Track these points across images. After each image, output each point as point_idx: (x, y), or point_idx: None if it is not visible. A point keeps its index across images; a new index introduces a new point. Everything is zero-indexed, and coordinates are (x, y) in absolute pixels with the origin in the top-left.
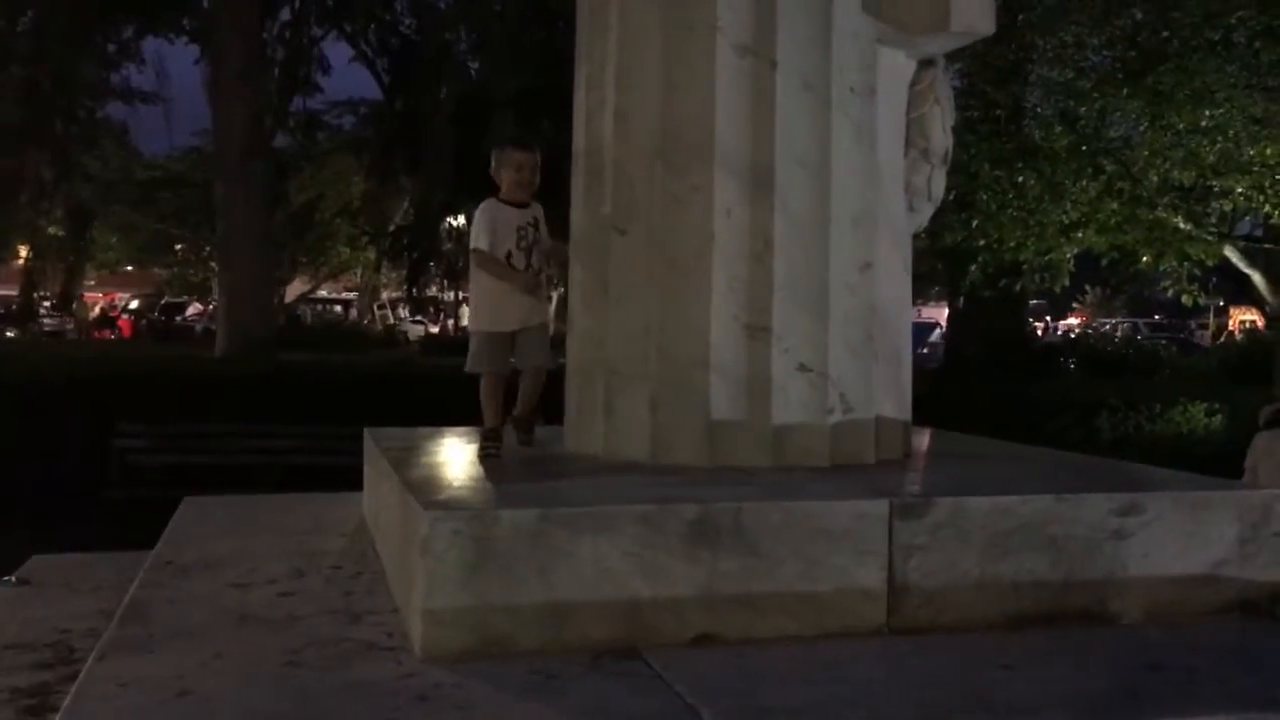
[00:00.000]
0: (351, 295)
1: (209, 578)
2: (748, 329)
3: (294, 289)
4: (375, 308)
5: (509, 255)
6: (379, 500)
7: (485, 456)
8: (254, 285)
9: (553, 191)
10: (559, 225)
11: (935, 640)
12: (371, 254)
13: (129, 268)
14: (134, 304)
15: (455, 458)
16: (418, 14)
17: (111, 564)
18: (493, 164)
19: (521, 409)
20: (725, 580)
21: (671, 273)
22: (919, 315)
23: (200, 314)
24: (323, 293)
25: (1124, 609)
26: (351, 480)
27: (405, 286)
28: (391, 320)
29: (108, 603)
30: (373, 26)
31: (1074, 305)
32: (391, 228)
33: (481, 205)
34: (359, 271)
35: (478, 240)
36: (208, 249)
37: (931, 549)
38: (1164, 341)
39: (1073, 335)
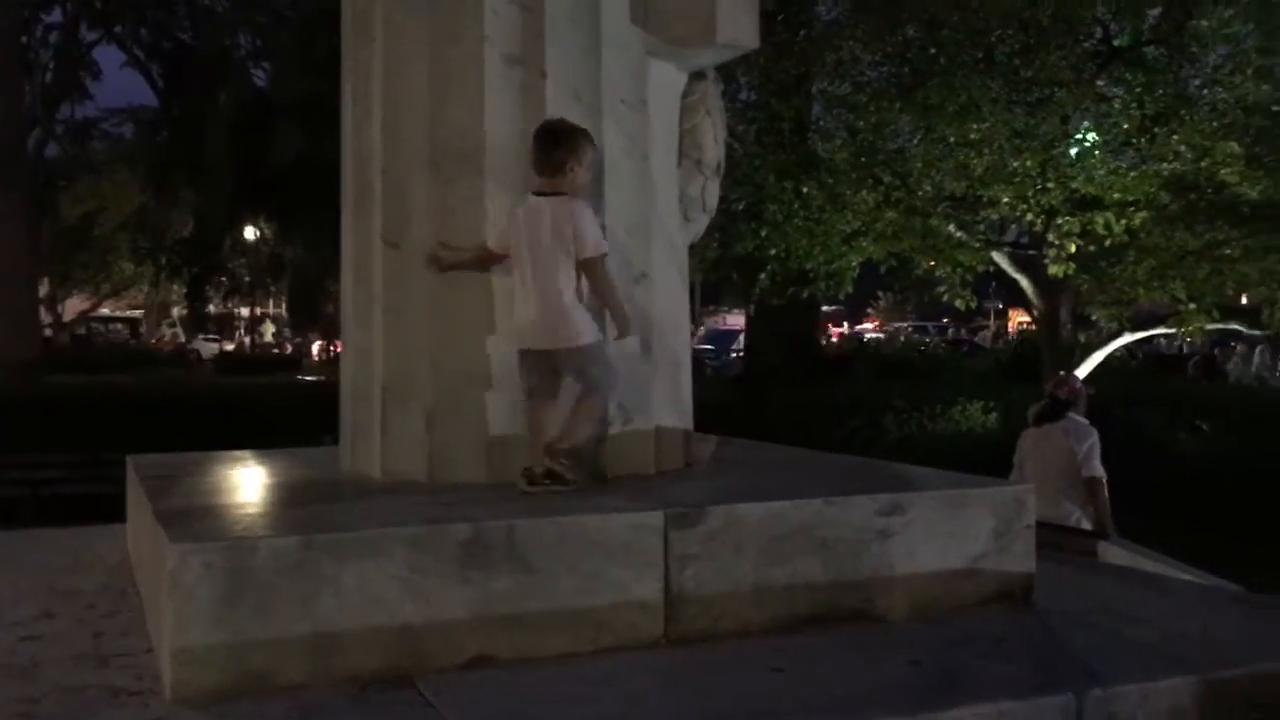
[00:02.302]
0: (138, 313)
1: None
2: None
3: (74, 306)
4: (166, 325)
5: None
6: (138, 532)
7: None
8: (15, 303)
9: (332, 203)
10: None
11: (711, 649)
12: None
13: None
14: None
15: (223, 484)
16: (194, 18)
17: None
18: (571, 157)
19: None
20: (499, 600)
21: (445, 286)
22: (725, 323)
23: None
24: (105, 310)
25: (891, 606)
26: (122, 511)
27: (186, 302)
28: (183, 338)
29: None
30: (144, 30)
31: (869, 311)
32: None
33: (585, 204)
34: (144, 288)
35: (603, 245)
36: None
37: (706, 558)
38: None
39: (865, 340)
